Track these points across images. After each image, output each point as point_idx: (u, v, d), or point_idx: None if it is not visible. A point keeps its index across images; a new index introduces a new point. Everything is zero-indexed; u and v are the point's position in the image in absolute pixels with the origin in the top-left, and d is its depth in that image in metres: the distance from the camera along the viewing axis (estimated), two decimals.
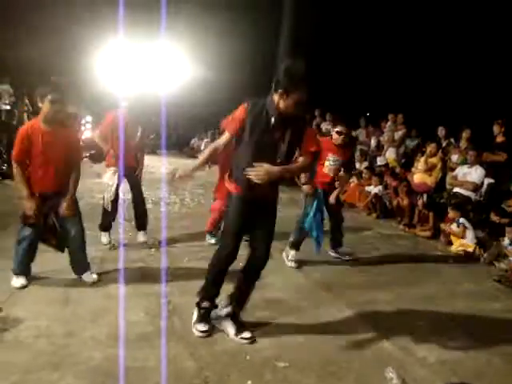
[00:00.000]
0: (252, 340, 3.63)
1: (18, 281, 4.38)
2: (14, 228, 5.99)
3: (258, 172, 3.33)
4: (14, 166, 4.24)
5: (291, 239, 5.58)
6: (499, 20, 13.20)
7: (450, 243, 6.91)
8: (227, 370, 3.23)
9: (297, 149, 3.58)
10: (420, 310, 4.45)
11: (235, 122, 3.48)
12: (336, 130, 5.62)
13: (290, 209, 7.58)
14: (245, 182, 3.45)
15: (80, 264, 4.59)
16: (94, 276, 4.60)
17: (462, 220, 6.79)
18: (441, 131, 10.12)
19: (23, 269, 4.44)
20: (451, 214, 7.02)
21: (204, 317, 3.72)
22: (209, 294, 3.74)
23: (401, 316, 4.31)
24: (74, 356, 3.29)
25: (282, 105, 3.37)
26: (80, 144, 4.61)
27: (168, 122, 14.69)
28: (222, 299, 3.83)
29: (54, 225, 4.40)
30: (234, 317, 3.74)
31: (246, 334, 3.65)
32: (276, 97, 3.39)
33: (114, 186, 5.62)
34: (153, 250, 5.71)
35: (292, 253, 5.52)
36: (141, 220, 5.98)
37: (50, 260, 4.77)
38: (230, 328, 3.70)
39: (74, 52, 14.10)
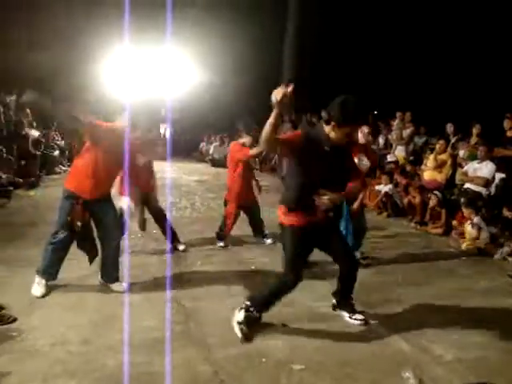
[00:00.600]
0: (364, 322, 4.01)
1: (38, 289, 4.40)
2: (30, 238, 6.11)
3: (328, 199, 3.52)
4: None
5: None
6: (507, 15, 13.10)
7: (463, 239, 6.85)
8: (243, 373, 3.24)
9: (348, 175, 3.77)
10: (435, 309, 4.42)
11: (290, 140, 3.60)
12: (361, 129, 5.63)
13: None
14: (308, 209, 3.58)
15: (113, 272, 4.62)
16: (124, 285, 4.60)
17: (476, 220, 6.71)
18: (449, 127, 10.08)
19: (51, 272, 4.46)
20: (465, 212, 6.96)
21: (251, 323, 3.75)
22: (262, 308, 3.80)
23: (416, 315, 4.28)
24: (89, 363, 3.31)
25: (332, 135, 3.54)
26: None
27: (175, 127, 14.72)
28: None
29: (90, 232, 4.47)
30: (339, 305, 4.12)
31: (359, 316, 4.04)
32: (327, 128, 3.55)
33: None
34: (167, 255, 5.72)
35: None
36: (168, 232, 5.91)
37: (64, 267, 4.80)
38: (343, 313, 4.09)
39: (81, 61, 14.19)
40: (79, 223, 4.33)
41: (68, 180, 4.42)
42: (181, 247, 5.95)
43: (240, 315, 3.75)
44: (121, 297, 4.39)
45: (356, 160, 5.52)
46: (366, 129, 5.57)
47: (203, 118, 18.20)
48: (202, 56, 15.53)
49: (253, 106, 16.20)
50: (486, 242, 6.53)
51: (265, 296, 3.82)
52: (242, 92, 16.98)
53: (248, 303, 3.79)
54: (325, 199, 3.52)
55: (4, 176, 9.18)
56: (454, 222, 7.21)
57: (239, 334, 3.68)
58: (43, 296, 4.36)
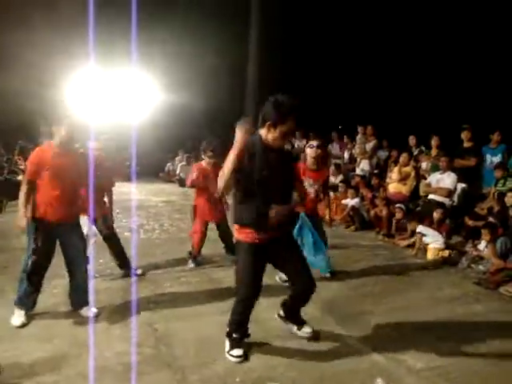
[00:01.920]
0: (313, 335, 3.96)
1: (17, 319, 4.28)
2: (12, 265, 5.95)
3: (276, 213, 3.42)
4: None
5: None
6: (461, 30, 13.58)
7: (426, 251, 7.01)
8: None
9: (292, 182, 3.66)
10: (405, 319, 4.50)
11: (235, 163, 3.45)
12: (310, 144, 5.64)
13: None
14: (260, 224, 3.47)
15: (82, 295, 4.53)
16: (94, 310, 4.50)
17: (419, 229, 7.04)
18: (412, 140, 10.32)
19: (26, 302, 4.35)
20: (411, 224, 7.39)
21: (237, 343, 3.71)
22: (239, 325, 3.75)
23: (387, 326, 4.34)
24: None
25: (269, 137, 3.41)
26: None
27: (143, 148, 14.63)
28: None
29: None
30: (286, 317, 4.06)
31: (307, 329, 4.00)
32: (264, 130, 3.42)
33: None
34: (133, 278, 5.63)
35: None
36: (120, 259, 5.73)
37: None
38: (290, 325, 4.04)
39: (44, 83, 13.98)
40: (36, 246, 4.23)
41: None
42: (138, 271, 5.76)
43: (227, 345, 3.73)
44: (90, 323, 4.31)
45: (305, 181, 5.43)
46: (314, 142, 5.53)
47: (168, 139, 18.12)
48: (164, 76, 15.52)
49: (216, 126, 16.31)
50: (441, 245, 6.76)
51: (234, 318, 3.74)
52: (207, 112, 17.03)
53: (227, 330, 3.76)
54: (272, 213, 3.41)
55: None
56: (417, 233, 7.36)
57: (236, 360, 3.63)
58: (23, 326, 4.24)
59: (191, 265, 6.13)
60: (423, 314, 4.65)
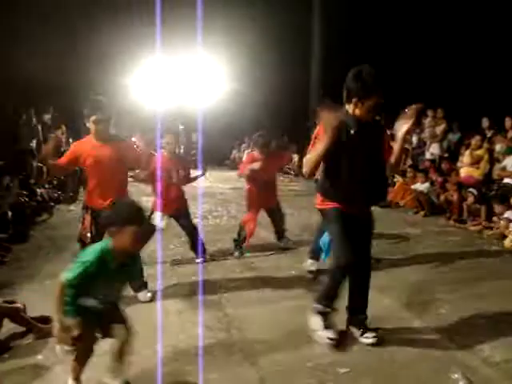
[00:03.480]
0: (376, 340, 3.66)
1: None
2: (73, 252, 6.27)
3: None
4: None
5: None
6: None
7: (504, 237, 6.72)
8: (289, 378, 3.26)
9: (383, 155, 3.57)
10: (480, 308, 4.34)
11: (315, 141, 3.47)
12: None
13: None
14: (346, 198, 3.47)
15: (138, 281, 4.70)
16: (149, 295, 4.68)
17: (507, 214, 6.65)
18: (485, 122, 9.89)
19: None
20: (496, 208, 6.90)
21: (328, 323, 3.68)
22: (329, 302, 3.69)
23: (461, 315, 4.21)
24: (141, 373, 3.38)
25: (357, 113, 3.37)
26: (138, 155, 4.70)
27: (207, 136, 14.87)
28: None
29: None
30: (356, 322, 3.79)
31: (370, 334, 3.71)
32: (350, 106, 3.38)
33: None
34: (203, 263, 5.76)
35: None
36: (195, 245, 5.84)
37: None
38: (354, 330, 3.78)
39: (113, 71, 14.46)
40: (88, 234, 4.40)
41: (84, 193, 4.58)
42: (198, 260, 5.82)
43: (315, 322, 3.68)
44: (163, 306, 4.44)
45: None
46: None
47: (232, 126, 18.30)
48: (229, 64, 15.66)
49: (277, 114, 16.33)
50: None
51: (325, 289, 3.70)
52: (272, 95, 17.03)
53: (315, 306, 3.71)
54: None
55: (45, 191, 9.44)
56: (495, 218, 7.08)
57: (328, 341, 3.59)
58: None
59: (236, 253, 6.12)
60: (501, 303, 4.47)
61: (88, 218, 4.42)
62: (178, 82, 16.08)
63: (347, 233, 3.54)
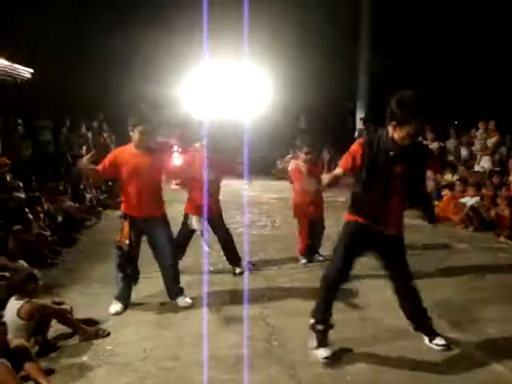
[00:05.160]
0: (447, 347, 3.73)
1: (113, 307, 4.57)
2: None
3: None
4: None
5: None
6: None
7: None
8: None
9: (423, 177, 3.67)
10: None
11: (349, 159, 3.54)
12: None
13: None
14: (375, 218, 3.55)
15: (173, 287, 4.76)
16: (188, 300, 4.72)
17: None
18: None
19: (121, 295, 4.64)
20: None
21: (323, 341, 3.66)
22: (324, 317, 3.70)
23: (508, 335, 4.06)
24: (179, 379, 3.43)
25: (396, 136, 3.40)
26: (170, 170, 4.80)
27: (252, 145, 14.95)
28: None
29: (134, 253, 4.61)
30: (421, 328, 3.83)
31: (439, 341, 3.76)
32: (390, 128, 3.41)
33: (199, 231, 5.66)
34: (246, 272, 5.77)
35: None
36: (230, 254, 5.85)
37: (147, 285, 5.02)
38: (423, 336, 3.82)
39: (162, 81, 14.76)
40: (126, 241, 4.48)
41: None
42: (237, 270, 5.79)
43: (311, 339, 3.68)
44: (203, 314, 4.49)
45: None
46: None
47: (277, 135, 18.32)
48: (274, 73, 15.74)
49: (323, 122, 16.26)
50: None
51: (318, 303, 3.72)
52: (316, 107, 17.00)
53: (311, 321, 3.72)
54: None
55: (93, 196, 9.71)
56: None
57: (322, 361, 3.58)
58: (117, 314, 4.51)
59: (303, 260, 6.15)
60: None
61: (126, 226, 4.51)
62: (225, 92, 16.27)
63: (353, 250, 3.64)
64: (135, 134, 4.46)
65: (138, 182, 4.47)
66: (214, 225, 5.72)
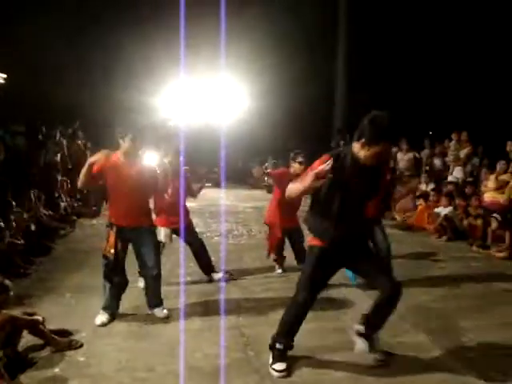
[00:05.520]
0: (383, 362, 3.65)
1: (99, 317, 4.51)
2: (93, 266, 6.32)
3: None
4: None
5: None
6: None
7: None
8: None
9: (373, 196, 3.55)
10: (503, 338, 4.23)
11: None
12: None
13: None
14: (334, 235, 3.46)
15: (154, 297, 4.71)
16: (166, 312, 4.68)
17: None
18: (510, 145, 9.73)
19: (108, 305, 4.58)
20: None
21: (281, 356, 3.65)
22: (286, 338, 3.68)
23: (483, 344, 4.11)
24: None
25: (362, 155, 3.36)
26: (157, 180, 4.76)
27: (229, 154, 14.95)
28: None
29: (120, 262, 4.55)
30: (364, 336, 3.67)
31: (379, 356, 3.67)
32: (357, 146, 3.38)
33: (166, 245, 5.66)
34: (222, 282, 5.76)
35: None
36: (205, 266, 5.89)
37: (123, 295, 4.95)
38: (360, 345, 3.66)
39: (140, 89, 14.69)
40: (112, 251, 4.44)
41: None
42: (216, 277, 5.85)
43: (270, 358, 3.66)
44: (179, 324, 4.45)
45: None
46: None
47: (254, 144, 18.36)
48: (251, 83, 15.80)
49: (302, 132, 16.37)
50: None
51: (283, 325, 3.70)
52: (292, 117, 17.10)
53: (271, 341, 3.70)
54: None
55: (68, 205, 9.57)
56: None
57: (277, 375, 3.54)
58: (103, 325, 4.45)
59: (278, 270, 6.18)
60: None
61: (112, 235, 4.46)
62: (201, 101, 16.28)
63: (321, 275, 3.59)
64: (125, 143, 4.41)
65: (126, 191, 4.42)
66: (186, 235, 5.69)
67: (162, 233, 5.47)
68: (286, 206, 5.86)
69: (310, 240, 3.68)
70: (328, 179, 3.29)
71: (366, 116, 3.38)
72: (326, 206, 3.45)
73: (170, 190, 5.24)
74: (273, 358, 3.65)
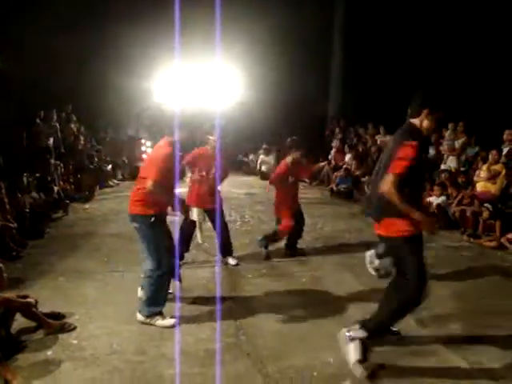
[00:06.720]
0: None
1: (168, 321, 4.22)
2: (86, 249, 6.36)
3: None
4: None
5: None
6: None
7: None
8: None
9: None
10: (491, 326, 4.27)
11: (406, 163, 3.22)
12: None
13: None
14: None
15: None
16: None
17: None
18: (507, 135, 9.71)
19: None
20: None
21: (366, 354, 3.40)
22: (377, 334, 3.52)
23: (471, 332, 4.16)
24: (147, 373, 3.41)
25: (425, 125, 3.35)
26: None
27: (223, 140, 14.92)
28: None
29: None
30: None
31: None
32: (419, 118, 3.35)
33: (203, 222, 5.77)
34: (216, 267, 5.79)
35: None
36: (224, 247, 5.97)
37: (116, 280, 4.97)
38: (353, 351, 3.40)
39: (134, 74, 14.59)
40: None
41: None
42: (232, 262, 5.96)
43: (355, 351, 3.38)
44: (172, 309, 4.46)
45: None
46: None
47: (248, 131, 18.31)
48: (247, 70, 15.71)
49: (296, 120, 16.36)
50: None
51: (383, 320, 3.49)
52: (287, 105, 17.06)
53: (364, 334, 3.41)
54: None
55: (61, 189, 9.55)
56: (510, 235, 7.00)
57: (361, 375, 3.33)
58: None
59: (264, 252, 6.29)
60: (510, 320, 4.38)
61: None
62: (196, 87, 16.19)
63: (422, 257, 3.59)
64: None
65: None
66: (212, 215, 5.79)
67: (194, 212, 5.55)
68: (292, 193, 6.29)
69: (400, 229, 3.43)
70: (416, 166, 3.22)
71: (420, 89, 3.44)
72: (412, 191, 3.35)
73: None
74: (363, 356, 3.37)
